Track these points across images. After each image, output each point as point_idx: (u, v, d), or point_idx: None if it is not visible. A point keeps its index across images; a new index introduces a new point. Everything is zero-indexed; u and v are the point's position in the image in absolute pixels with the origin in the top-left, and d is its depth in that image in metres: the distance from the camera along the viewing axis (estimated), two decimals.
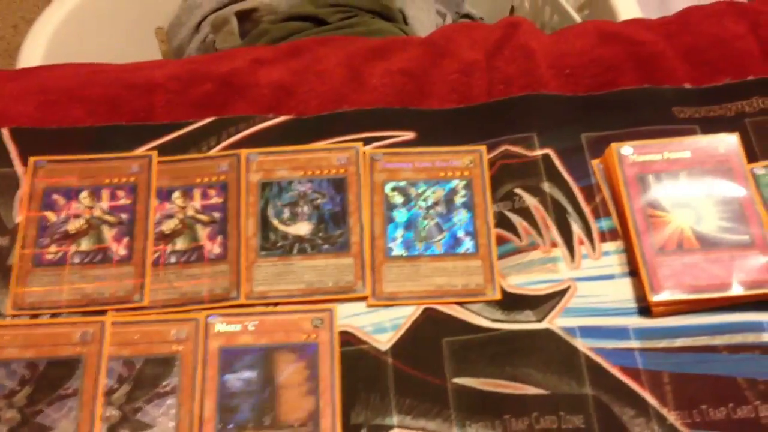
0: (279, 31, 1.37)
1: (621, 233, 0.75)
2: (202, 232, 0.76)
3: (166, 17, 1.44)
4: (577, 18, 1.30)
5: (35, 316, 0.72)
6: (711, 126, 0.81)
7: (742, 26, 0.90)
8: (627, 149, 0.78)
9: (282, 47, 0.98)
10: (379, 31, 1.37)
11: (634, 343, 0.70)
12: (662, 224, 0.74)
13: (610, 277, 0.73)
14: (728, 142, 0.78)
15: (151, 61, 0.97)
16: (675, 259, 0.72)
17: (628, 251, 0.74)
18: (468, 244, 0.75)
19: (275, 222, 0.77)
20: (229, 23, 1.34)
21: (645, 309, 0.71)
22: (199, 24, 1.42)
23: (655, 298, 0.70)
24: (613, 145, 0.78)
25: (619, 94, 0.84)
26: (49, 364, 0.69)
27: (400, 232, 0.76)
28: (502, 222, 0.76)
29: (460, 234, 0.76)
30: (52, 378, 0.68)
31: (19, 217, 0.77)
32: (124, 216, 0.76)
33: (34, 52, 1.17)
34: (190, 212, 0.77)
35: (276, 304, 0.73)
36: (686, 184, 0.76)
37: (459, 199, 0.78)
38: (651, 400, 0.67)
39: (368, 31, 1.38)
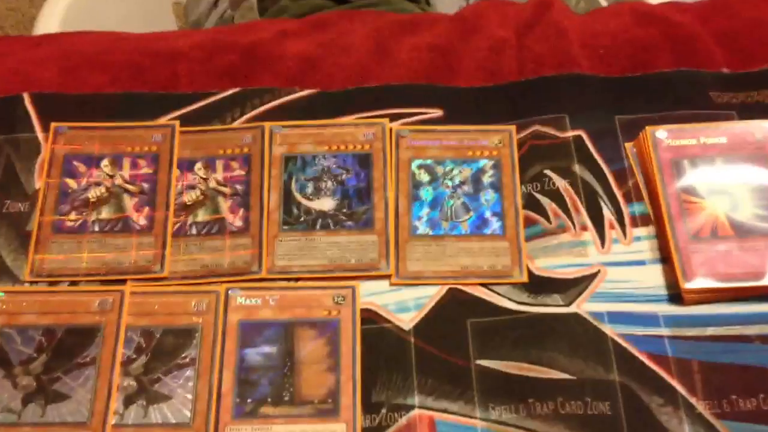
0: (299, 8, 1.35)
1: (653, 218, 0.73)
2: (225, 205, 0.74)
3: None
4: (605, 3, 1.27)
5: (54, 284, 0.71)
6: (748, 112, 0.79)
7: None
8: (662, 133, 0.76)
9: (307, 20, 0.96)
10: (401, 11, 1.35)
11: (663, 331, 0.68)
12: (696, 210, 0.72)
13: (641, 263, 0.71)
14: (765, 128, 0.76)
15: (174, 31, 0.95)
16: (709, 247, 0.70)
17: (660, 237, 0.72)
18: (495, 225, 0.73)
19: (298, 196, 0.75)
20: None
21: (676, 296, 0.69)
22: None
23: (687, 285, 0.68)
24: (648, 128, 0.76)
25: (655, 76, 0.82)
26: (67, 331, 0.68)
27: (425, 211, 0.74)
28: (531, 203, 0.75)
29: (488, 214, 0.74)
30: (69, 346, 0.67)
31: (38, 183, 0.76)
32: (145, 185, 0.75)
33: (48, 26, 1.16)
34: (212, 184, 0.76)
35: (297, 279, 0.71)
36: (722, 171, 0.74)
37: (487, 179, 0.76)
38: (680, 388, 0.65)
39: (391, 10, 1.35)
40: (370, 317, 0.70)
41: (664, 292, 0.70)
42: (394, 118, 0.80)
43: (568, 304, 0.69)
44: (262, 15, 1.38)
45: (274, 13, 1.36)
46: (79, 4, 1.21)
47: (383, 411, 0.65)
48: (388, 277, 0.71)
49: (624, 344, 0.67)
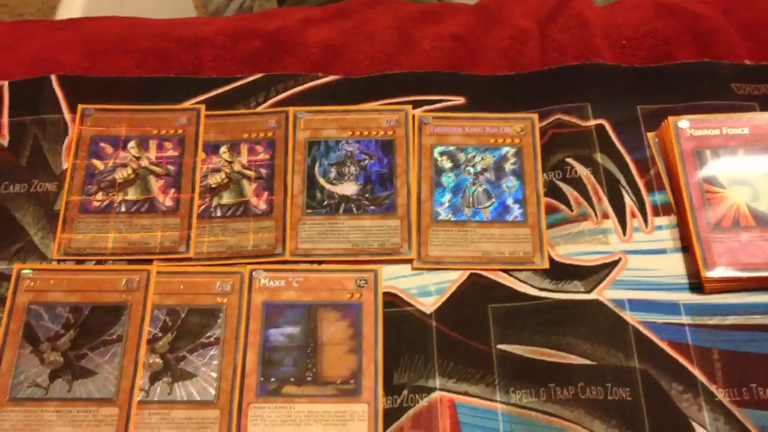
0: None
1: (675, 208, 0.74)
2: (249, 188, 0.75)
3: None
4: None
5: (80, 262, 0.72)
6: None
7: None
8: (684, 123, 0.76)
9: (330, 8, 0.96)
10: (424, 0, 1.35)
11: (684, 319, 0.68)
12: (718, 200, 0.72)
13: (662, 251, 0.72)
14: None
15: (197, 17, 0.96)
16: (730, 236, 0.70)
17: (682, 226, 0.72)
18: (517, 212, 0.74)
19: (322, 181, 0.76)
20: None
21: (697, 285, 0.70)
22: None
23: (708, 274, 0.68)
24: (671, 118, 0.76)
25: (677, 67, 0.82)
26: (94, 309, 0.69)
27: (447, 197, 0.75)
28: (553, 191, 0.75)
29: (509, 201, 0.75)
30: (96, 323, 0.68)
31: (66, 164, 0.77)
32: (171, 167, 0.76)
33: (70, 13, 1.17)
34: (237, 167, 0.76)
35: (320, 262, 0.72)
36: (744, 161, 0.74)
37: (509, 167, 0.76)
38: (700, 376, 0.66)
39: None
40: (392, 301, 0.70)
41: (685, 280, 0.70)
42: (417, 104, 0.80)
43: (589, 291, 0.70)
44: (281, 5, 1.39)
45: (293, 4, 1.36)
46: None
47: (404, 393, 0.66)
48: (410, 261, 0.72)
49: (644, 332, 0.68)
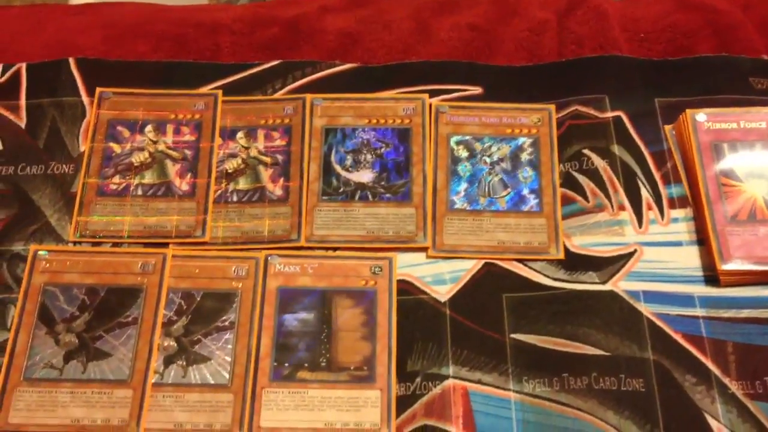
0: None
1: (691, 201, 0.73)
2: (265, 174, 0.75)
3: None
4: None
5: (97, 244, 0.72)
6: None
7: None
8: (702, 116, 0.76)
9: None
10: None
11: (699, 311, 0.68)
12: (735, 194, 0.72)
13: (678, 243, 0.71)
14: None
15: (216, 5, 0.96)
16: (746, 230, 0.70)
17: (698, 219, 0.72)
18: (532, 202, 0.74)
19: (338, 168, 0.76)
20: None
21: (712, 278, 0.69)
22: None
23: (724, 267, 0.68)
24: (688, 111, 0.76)
25: (695, 60, 0.82)
26: (110, 291, 0.69)
27: (463, 186, 0.75)
28: (569, 182, 0.75)
29: (525, 192, 0.74)
30: (112, 305, 0.68)
31: (83, 147, 0.77)
32: (188, 152, 0.76)
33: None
34: (254, 153, 0.76)
35: (336, 248, 0.72)
36: (761, 155, 0.74)
37: (525, 157, 0.76)
38: (713, 368, 0.66)
39: None
40: (406, 288, 0.70)
41: (700, 273, 0.70)
42: (433, 94, 0.80)
43: (604, 282, 0.69)
44: None
45: None
46: None
47: (418, 380, 0.66)
48: (425, 249, 0.72)
49: (659, 323, 0.68)
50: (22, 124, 0.79)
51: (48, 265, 0.70)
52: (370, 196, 0.75)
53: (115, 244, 0.72)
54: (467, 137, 0.78)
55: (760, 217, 0.71)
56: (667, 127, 0.78)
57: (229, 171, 0.76)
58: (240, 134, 0.78)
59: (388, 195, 0.75)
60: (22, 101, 0.80)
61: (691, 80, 0.80)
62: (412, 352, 0.67)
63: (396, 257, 0.71)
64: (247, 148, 0.77)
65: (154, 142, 0.77)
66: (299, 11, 0.90)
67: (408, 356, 0.67)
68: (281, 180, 0.75)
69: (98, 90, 0.79)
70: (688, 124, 0.75)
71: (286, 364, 0.66)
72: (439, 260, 0.72)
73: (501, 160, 0.76)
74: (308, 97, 0.79)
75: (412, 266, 0.72)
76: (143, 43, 0.86)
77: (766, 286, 0.69)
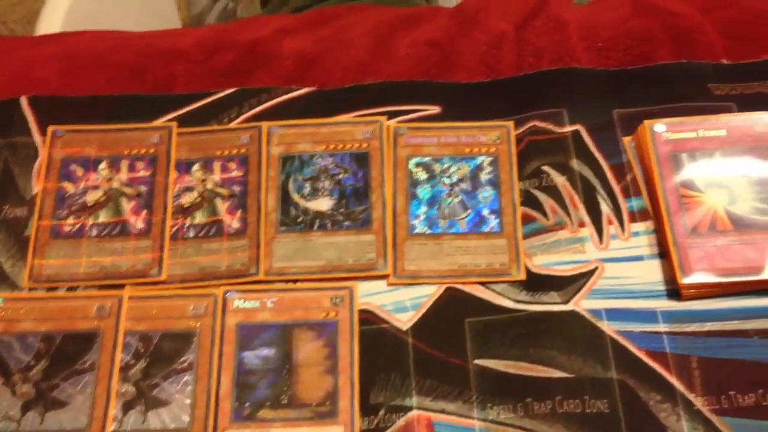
0: (300, 0, 1.34)
1: (652, 213, 0.73)
2: (222, 206, 0.74)
3: None
4: None
5: (52, 289, 0.71)
6: (748, 103, 0.78)
7: None
8: (660, 126, 0.75)
9: (307, 15, 0.96)
10: (400, 1, 1.34)
11: (662, 327, 0.68)
12: (695, 204, 0.71)
13: (639, 258, 0.71)
14: (765, 120, 0.75)
15: (175, 29, 0.95)
16: (707, 241, 0.69)
17: (659, 232, 0.72)
18: (493, 223, 0.73)
19: (296, 197, 0.75)
20: None
21: (674, 292, 0.69)
22: None
23: (685, 280, 0.68)
24: (646, 122, 0.75)
25: (653, 68, 0.81)
26: (66, 337, 0.68)
27: (423, 209, 0.74)
28: (529, 200, 0.74)
29: (485, 212, 0.74)
30: (68, 352, 0.67)
31: (36, 188, 0.76)
32: (143, 188, 0.75)
33: (53, 18, 1.16)
34: (210, 185, 0.76)
35: (295, 280, 0.71)
36: (721, 164, 0.73)
37: (484, 176, 0.76)
38: (678, 385, 0.65)
39: (390, 1, 1.35)
40: (368, 318, 0.70)
41: (662, 287, 0.69)
42: (392, 115, 0.80)
43: (566, 302, 0.69)
44: (264, 6, 1.38)
45: (276, 5, 1.35)
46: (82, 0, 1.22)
47: (381, 413, 0.65)
48: (385, 277, 0.71)
49: (622, 341, 0.67)
50: None
51: (3, 313, 0.69)
52: (329, 225, 0.74)
53: (70, 288, 0.71)
54: (426, 159, 0.77)
55: (720, 228, 0.70)
56: (626, 139, 0.77)
57: (186, 206, 0.75)
58: (196, 167, 0.77)
59: (347, 222, 0.74)
60: None
61: (649, 89, 0.80)
62: (375, 384, 0.67)
63: (356, 286, 0.71)
64: (203, 181, 0.76)
65: (108, 180, 0.76)
66: (256, 35, 0.89)
67: (371, 388, 0.66)
68: (239, 212, 0.74)
69: (50, 128, 0.78)
70: (646, 135, 0.75)
71: (247, 404, 0.65)
72: (401, 287, 0.71)
73: (461, 180, 0.76)
74: (264, 125, 0.78)
75: (373, 294, 0.71)
76: (99, 75, 0.85)
77: (728, 297, 0.69)
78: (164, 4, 1.42)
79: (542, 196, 0.74)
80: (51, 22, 1.16)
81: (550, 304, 0.69)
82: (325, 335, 0.68)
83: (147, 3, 1.37)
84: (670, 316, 0.68)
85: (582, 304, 0.69)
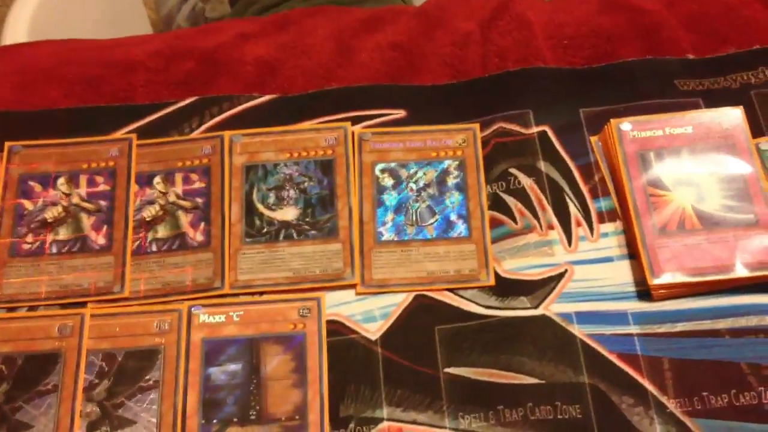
0: None
1: (620, 213, 0.72)
2: (185, 219, 0.73)
3: None
4: None
5: (12, 309, 0.69)
6: (715, 99, 0.77)
7: None
8: (627, 125, 0.74)
9: (269, 19, 0.94)
10: (379, 1, 1.33)
11: (633, 329, 0.67)
12: (663, 203, 0.71)
13: (609, 259, 0.70)
14: (732, 116, 0.74)
15: (133, 37, 0.93)
16: (676, 241, 0.69)
17: (628, 232, 0.71)
18: (461, 228, 0.72)
19: (260, 207, 0.74)
20: None
21: (645, 293, 0.68)
22: None
23: (655, 281, 0.67)
24: (613, 121, 0.74)
25: (619, 66, 0.81)
26: (28, 358, 0.66)
27: (390, 216, 0.73)
28: (497, 203, 0.73)
29: (453, 217, 0.73)
30: (30, 373, 0.66)
31: None
32: (103, 203, 0.74)
33: (20, 20, 1.14)
34: (172, 198, 0.74)
35: (261, 293, 0.70)
36: (688, 161, 0.73)
37: (451, 180, 0.75)
38: (650, 387, 0.64)
39: (366, 2, 1.34)
40: (336, 329, 0.69)
41: (632, 288, 0.69)
42: (356, 120, 0.78)
43: (536, 306, 0.68)
44: (233, 6, 1.36)
45: (245, 4, 1.34)
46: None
47: (351, 425, 0.64)
48: (353, 286, 0.70)
49: (593, 345, 0.66)
50: None
51: None
52: (295, 235, 0.73)
53: (31, 308, 0.69)
54: (392, 164, 0.76)
55: (689, 227, 0.70)
56: (593, 138, 0.76)
57: (148, 219, 0.73)
58: (157, 179, 0.75)
59: (313, 232, 0.73)
60: None
61: (615, 87, 0.79)
62: (344, 396, 0.66)
63: (324, 297, 0.69)
64: (165, 194, 0.74)
65: (68, 195, 0.74)
66: (217, 41, 0.88)
67: (341, 400, 0.65)
68: (202, 224, 0.73)
69: (7, 144, 0.76)
70: (613, 134, 0.74)
71: (215, 421, 0.64)
72: (369, 296, 0.70)
73: (427, 185, 0.75)
74: (226, 134, 0.77)
75: (341, 305, 0.70)
76: (55, 89, 0.83)
77: (699, 297, 0.68)
78: (132, 5, 1.40)
79: (510, 199, 0.73)
80: (17, 25, 1.14)
81: (520, 309, 0.68)
82: (293, 348, 0.67)
83: (115, 4, 1.35)
84: (641, 318, 0.67)
85: (552, 308, 0.68)
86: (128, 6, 1.39)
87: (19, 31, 1.15)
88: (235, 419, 0.64)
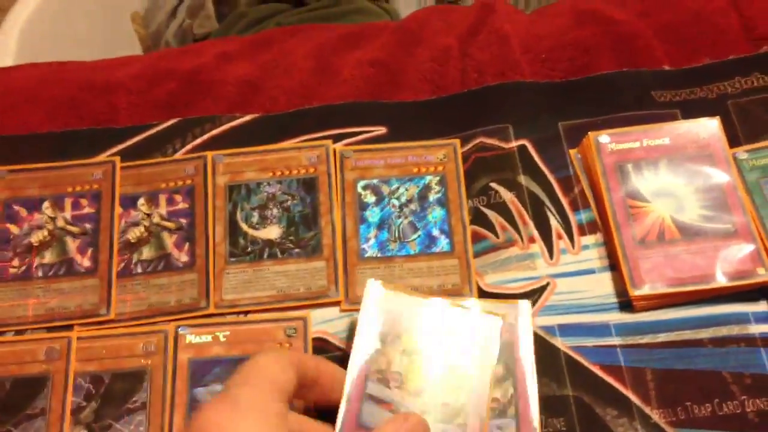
0: (257, 12, 1.34)
1: (600, 225, 0.73)
2: (169, 240, 0.73)
3: (143, 1, 1.41)
4: None
5: (0, 334, 0.70)
6: (692, 109, 0.78)
7: (723, 0, 0.87)
8: (605, 137, 0.75)
9: (250, 39, 0.95)
10: (357, 11, 1.34)
11: (615, 340, 0.68)
12: (643, 215, 0.71)
13: (591, 271, 0.71)
14: (709, 126, 0.75)
15: (115, 59, 0.94)
16: (656, 251, 0.70)
17: (608, 244, 0.72)
18: (443, 243, 0.73)
19: (244, 226, 0.74)
20: (205, 8, 1.32)
21: (627, 304, 0.69)
22: (176, 8, 1.39)
23: (636, 292, 0.68)
24: (591, 133, 0.75)
25: (597, 78, 0.82)
26: (15, 383, 0.67)
27: (373, 233, 0.74)
28: (478, 218, 0.74)
29: (435, 232, 0.74)
30: (17, 398, 0.66)
31: None
32: (88, 226, 0.74)
33: (9, 34, 1.14)
34: (156, 219, 0.75)
35: (246, 312, 0.70)
36: (666, 172, 0.73)
37: (433, 196, 0.75)
38: (634, 398, 0.65)
39: (348, 11, 1.35)
40: (322, 346, 0.69)
41: (614, 300, 0.70)
42: (338, 138, 0.79)
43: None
44: (220, 22, 1.37)
45: (233, 20, 1.35)
46: (39, 13, 1.20)
47: None
48: (338, 303, 0.71)
49: (576, 357, 0.67)
50: None
51: None
52: (279, 253, 0.73)
53: (18, 332, 0.70)
54: (374, 181, 0.76)
55: (668, 237, 0.70)
56: (572, 152, 0.77)
57: (132, 241, 0.74)
58: (141, 200, 0.76)
59: (297, 250, 0.73)
60: None
61: (593, 100, 0.80)
62: (330, 413, 0.66)
63: (310, 316, 0.70)
64: (149, 215, 0.75)
65: (53, 219, 0.74)
66: (198, 62, 0.88)
67: (326, 418, 0.65)
68: (186, 245, 0.73)
69: None
70: (591, 146, 0.75)
71: None
72: (354, 313, 0.71)
73: (409, 201, 0.75)
74: (209, 154, 0.78)
75: (326, 322, 0.70)
76: (36, 113, 0.83)
77: (680, 307, 0.69)
78: (120, 22, 1.41)
79: (491, 214, 0.74)
80: (5, 44, 1.15)
81: None
82: None
83: (103, 21, 1.36)
84: (623, 329, 0.68)
85: (535, 321, 0.68)
86: (116, 23, 1.40)
87: (7, 49, 1.15)
88: None
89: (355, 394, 0.62)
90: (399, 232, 0.74)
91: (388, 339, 0.64)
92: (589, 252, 0.72)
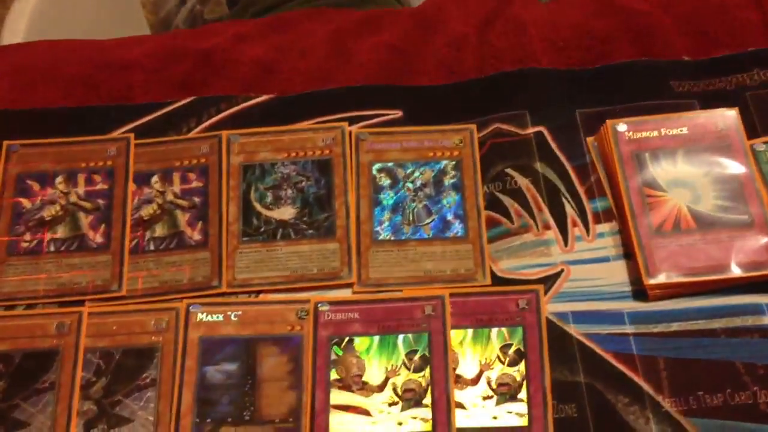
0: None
1: (616, 214, 0.73)
2: (182, 218, 0.73)
3: None
4: None
5: (11, 307, 0.69)
6: (710, 100, 0.77)
7: None
8: (622, 126, 0.75)
9: (266, 21, 0.94)
10: (372, 1, 1.33)
11: (628, 328, 0.67)
12: (659, 204, 0.71)
13: (605, 259, 0.71)
14: (727, 117, 0.75)
15: (130, 38, 0.93)
16: (672, 241, 0.69)
17: (624, 232, 0.71)
18: (457, 227, 0.73)
19: (258, 206, 0.74)
20: None
21: (640, 292, 0.69)
22: None
23: (650, 281, 0.67)
24: (609, 122, 0.75)
25: (615, 67, 0.81)
26: (25, 356, 0.66)
27: (387, 215, 0.73)
28: (493, 203, 0.74)
29: (450, 217, 0.73)
30: (28, 371, 0.66)
31: None
32: (101, 202, 0.74)
33: (18, 21, 1.14)
34: (170, 197, 0.74)
35: (258, 292, 0.70)
36: (684, 162, 0.73)
37: (448, 180, 0.75)
38: (646, 386, 0.65)
39: (363, 4, 1.34)
40: None
41: (628, 288, 0.69)
42: (353, 121, 0.79)
43: None
44: (231, 8, 1.36)
45: (244, 6, 1.34)
46: (48, 1, 1.20)
47: None
48: (350, 285, 0.70)
49: (589, 344, 0.67)
50: None
51: None
52: (292, 234, 0.73)
53: (29, 306, 0.70)
54: (389, 164, 0.76)
55: (684, 227, 0.70)
56: (590, 140, 0.77)
57: (145, 218, 0.73)
58: (155, 178, 0.75)
59: (310, 231, 0.73)
60: None
61: (611, 89, 0.79)
62: None
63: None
64: (162, 193, 0.75)
65: (65, 194, 0.74)
66: (213, 42, 0.88)
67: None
68: (199, 224, 0.73)
69: (5, 143, 0.77)
70: (609, 135, 0.74)
71: (208, 420, 0.64)
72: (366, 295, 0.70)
73: (424, 185, 0.75)
74: (224, 134, 0.77)
75: None
76: (53, 89, 0.83)
77: (694, 297, 0.68)
78: (130, 7, 1.40)
79: (507, 200, 0.74)
80: (16, 25, 1.14)
81: None
82: (290, 350, 0.67)
83: (112, 7, 1.35)
84: (636, 317, 0.68)
85: (548, 308, 0.68)
86: (126, 8, 1.39)
87: (17, 32, 1.15)
88: (228, 419, 0.64)
89: None
90: (413, 215, 0.73)
91: None
92: (605, 240, 0.72)
